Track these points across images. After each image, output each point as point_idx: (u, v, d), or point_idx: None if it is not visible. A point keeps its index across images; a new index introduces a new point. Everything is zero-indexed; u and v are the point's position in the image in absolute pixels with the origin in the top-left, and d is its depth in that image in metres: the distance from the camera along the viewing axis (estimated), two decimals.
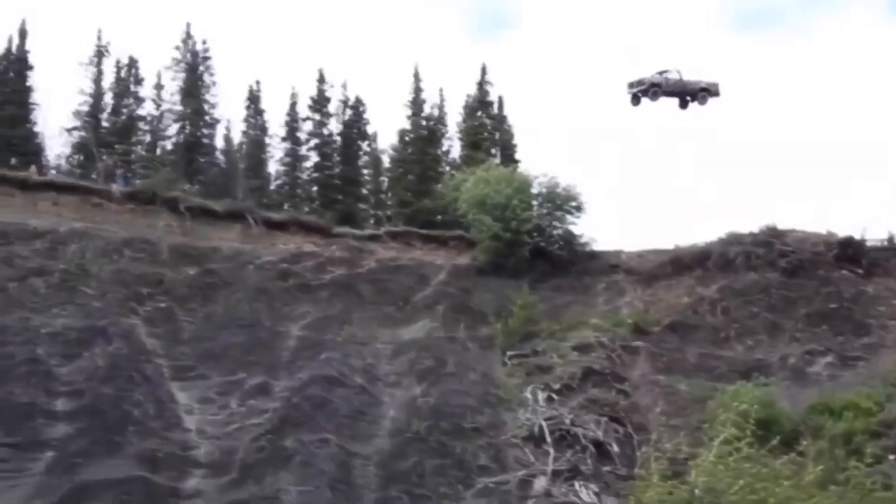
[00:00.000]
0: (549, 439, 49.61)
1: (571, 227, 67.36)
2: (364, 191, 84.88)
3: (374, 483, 47.38)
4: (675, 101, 64.97)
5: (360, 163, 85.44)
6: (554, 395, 52.75)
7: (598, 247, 67.87)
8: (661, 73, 64.35)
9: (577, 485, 47.53)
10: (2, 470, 45.01)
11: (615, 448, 49.88)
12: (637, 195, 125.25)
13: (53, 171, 71.01)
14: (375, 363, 53.65)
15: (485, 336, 56.83)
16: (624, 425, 51.35)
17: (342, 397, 51.03)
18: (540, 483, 47.61)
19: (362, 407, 51.01)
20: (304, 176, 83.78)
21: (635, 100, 63.87)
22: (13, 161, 64.39)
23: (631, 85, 64.08)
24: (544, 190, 67.70)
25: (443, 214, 70.65)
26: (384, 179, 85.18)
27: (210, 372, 51.60)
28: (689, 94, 64.37)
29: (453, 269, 61.92)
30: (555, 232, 66.88)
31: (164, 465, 46.62)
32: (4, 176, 58.61)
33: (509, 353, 56.15)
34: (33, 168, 62.40)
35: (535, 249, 64.42)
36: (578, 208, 67.56)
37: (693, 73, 64.51)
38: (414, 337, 55.66)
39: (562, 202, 67.22)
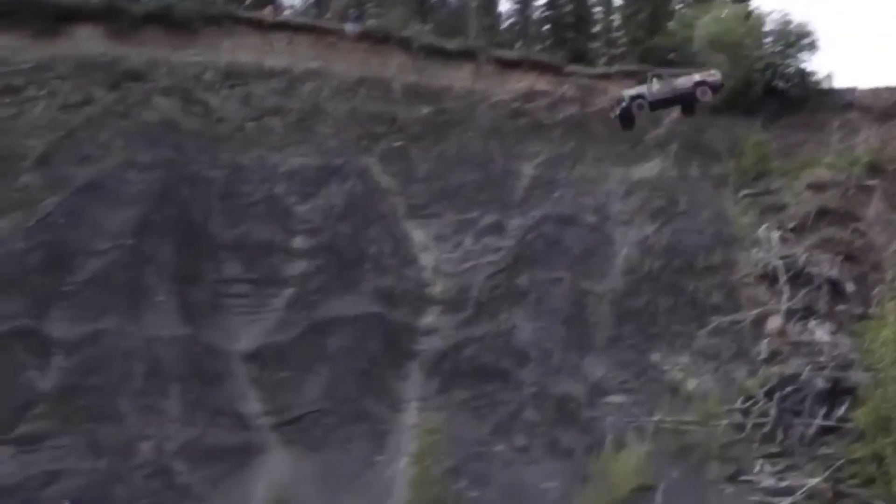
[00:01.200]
0: (782, 278, 48.23)
1: (804, 65, 64.63)
2: (595, 29, 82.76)
3: (606, 321, 47.40)
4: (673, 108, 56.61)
5: (591, 1, 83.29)
6: (787, 234, 51.04)
7: (833, 84, 65.15)
8: (644, 80, 55.56)
9: (811, 324, 46.57)
10: (243, 305, 46.41)
11: (850, 287, 48.20)
12: (875, 30, 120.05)
13: (288, 11, 70.52)
14: (607, 202, 52.52)
15: (717, 175, 55.07)
16: (859, 264, 49.49)
17: (575, 236, 50.45)
18: (774, 322, 46.69)
19: (595, 245, 50.37)
20: (536, 15, 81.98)
21: (625, 122, 54.40)
22: (248, 1, 63.93)
23: (611, 108, 55.19)
24: (777, 28, 65.02)
25: (675, 52, 68.41)
26: (614, 18, 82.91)
27: (444, 210, 51.31)
28: (685, 94, 54.54)
29: None
30: (787, 70, 64.26)
31: (400, 302, 47.53)
32: (240, 16, 58.24)
33: (742, 191, 54.36)
34: (269, 8, 61.87)
35: (767, 88, 61.85)
36: (811, 45, 64.68)
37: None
38: (646, 175, 54.22)
39: (794, 40, 64.48)
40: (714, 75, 53.59)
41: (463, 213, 51.20)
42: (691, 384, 45.03)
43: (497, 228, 50.51)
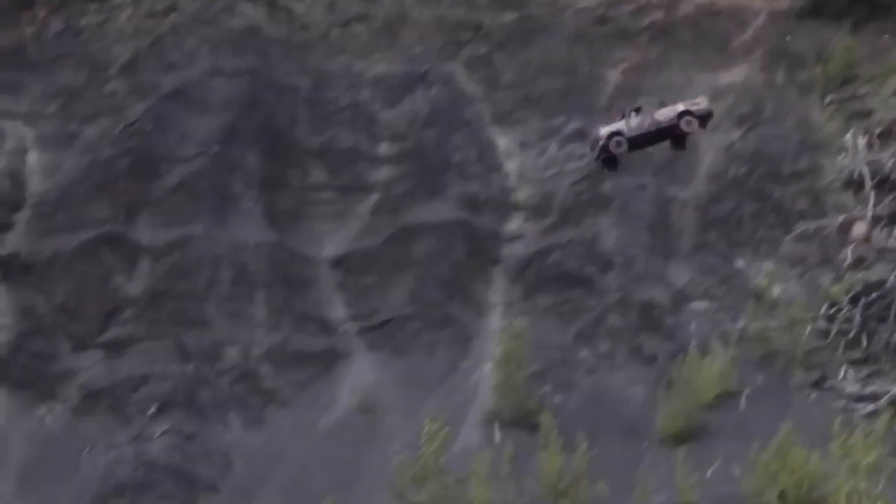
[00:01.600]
0: (868, 184, 46.75)
1: None
2: None
3: (691, 227, 46.30)
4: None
5: None
6: (874, 140, 49.46)
7: None
8: (623, 115, 47.84)
9: None
10: (328, 212, 46.54)
11: None
12: None
13: None
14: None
15: (803, 80, 53.38)
16: None
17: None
18: (859, 228, 45.35)
19: (679, 152, 48.91)
20: None
21: (608, 163, 47.27)
22: None
23: (592, 147, 47.76)
24: None
25: None
26: None
27: (529, 117, 50.00)
28: (668, 127, 47.41)
29: (772, 13, 58.33)
30: None
31: (485, 208, 46.91)
32: None
33: (828, 97, 52.71)
34: None
35: None
36: None
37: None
38: (732, 82, 52.53)
39: None
40: (699, 104, 47.65)
41: (548, 120, 49.85)
42: (776, 290, 43.79)
43: (582, 135, 49.01)
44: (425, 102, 49.66)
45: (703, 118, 47.14)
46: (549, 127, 49.54)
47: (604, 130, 46.22)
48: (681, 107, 46.40)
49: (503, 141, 49.37)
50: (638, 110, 46.46)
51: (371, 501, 37.33)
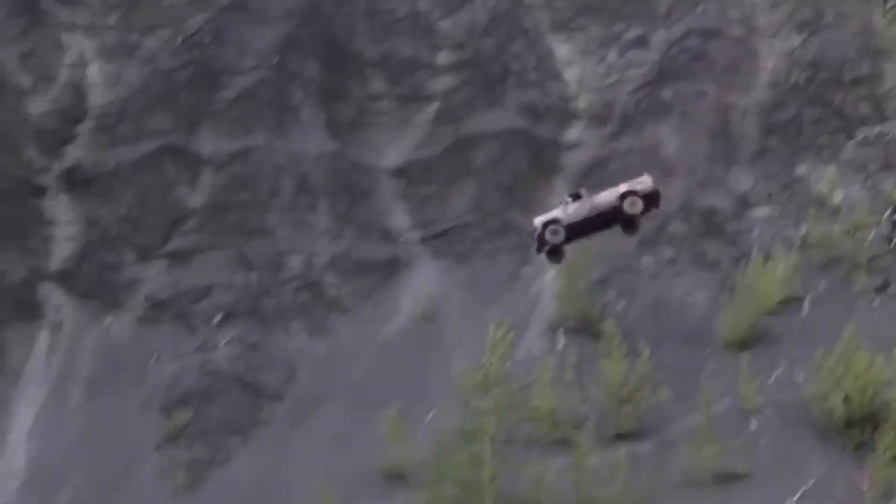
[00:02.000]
0: None
1: None
2: None
3: (752, 134, 45.47)
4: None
5: None
6: None
7: None
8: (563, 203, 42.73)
9: None
10: (388, 121, 46.15)
11: None
12: None
13: None
14: (753, 14, 49.92)
15: None
16: None
17: (719, 49, 48.04)
18: None
19: (740, 58, 47.97)
20: None
21: (551, 255, 37.18)
22: None
23: (532, 238, 38.31)
24: None
25: None
26: None
27: (588, 24, 48.99)
28: (610, 210, 42.63)
29: None
30: None
31: (544, 117, 46.24)
32: None
33: (890, 2, 51.65)
34: None
35: None
36: None
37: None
38: None
39: None
40: (644, 182, 41.96)
41: (607, 27, 48.84)
42: (838, 196, 43.11)
43: (641, 42, 48.21)
44: (484, 11, 48.65)
45: (650, 197, 42.01)
46: (608, 34, 48.50)
47: (538, 220, 41.13)
48: (623, 188, 41.19)
49: (562, 49, 48.37)
50: (576, 196, 41.61)
51: (435, 408, 37.13)
